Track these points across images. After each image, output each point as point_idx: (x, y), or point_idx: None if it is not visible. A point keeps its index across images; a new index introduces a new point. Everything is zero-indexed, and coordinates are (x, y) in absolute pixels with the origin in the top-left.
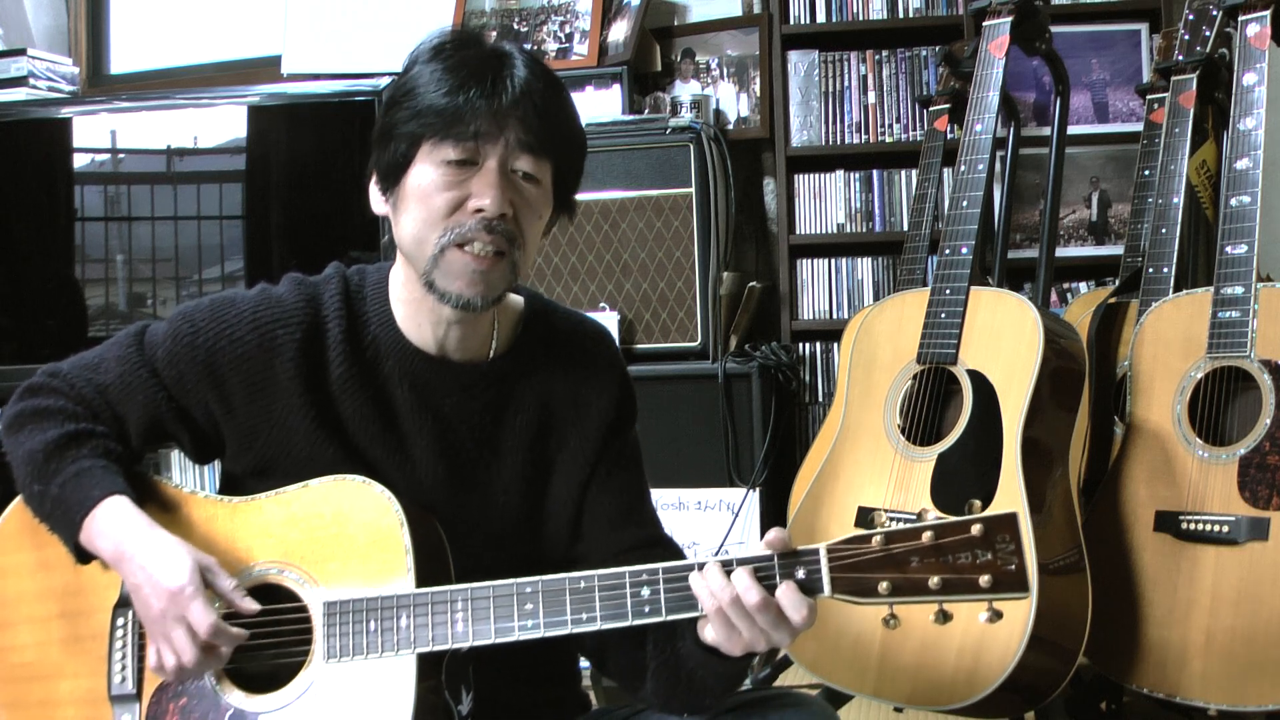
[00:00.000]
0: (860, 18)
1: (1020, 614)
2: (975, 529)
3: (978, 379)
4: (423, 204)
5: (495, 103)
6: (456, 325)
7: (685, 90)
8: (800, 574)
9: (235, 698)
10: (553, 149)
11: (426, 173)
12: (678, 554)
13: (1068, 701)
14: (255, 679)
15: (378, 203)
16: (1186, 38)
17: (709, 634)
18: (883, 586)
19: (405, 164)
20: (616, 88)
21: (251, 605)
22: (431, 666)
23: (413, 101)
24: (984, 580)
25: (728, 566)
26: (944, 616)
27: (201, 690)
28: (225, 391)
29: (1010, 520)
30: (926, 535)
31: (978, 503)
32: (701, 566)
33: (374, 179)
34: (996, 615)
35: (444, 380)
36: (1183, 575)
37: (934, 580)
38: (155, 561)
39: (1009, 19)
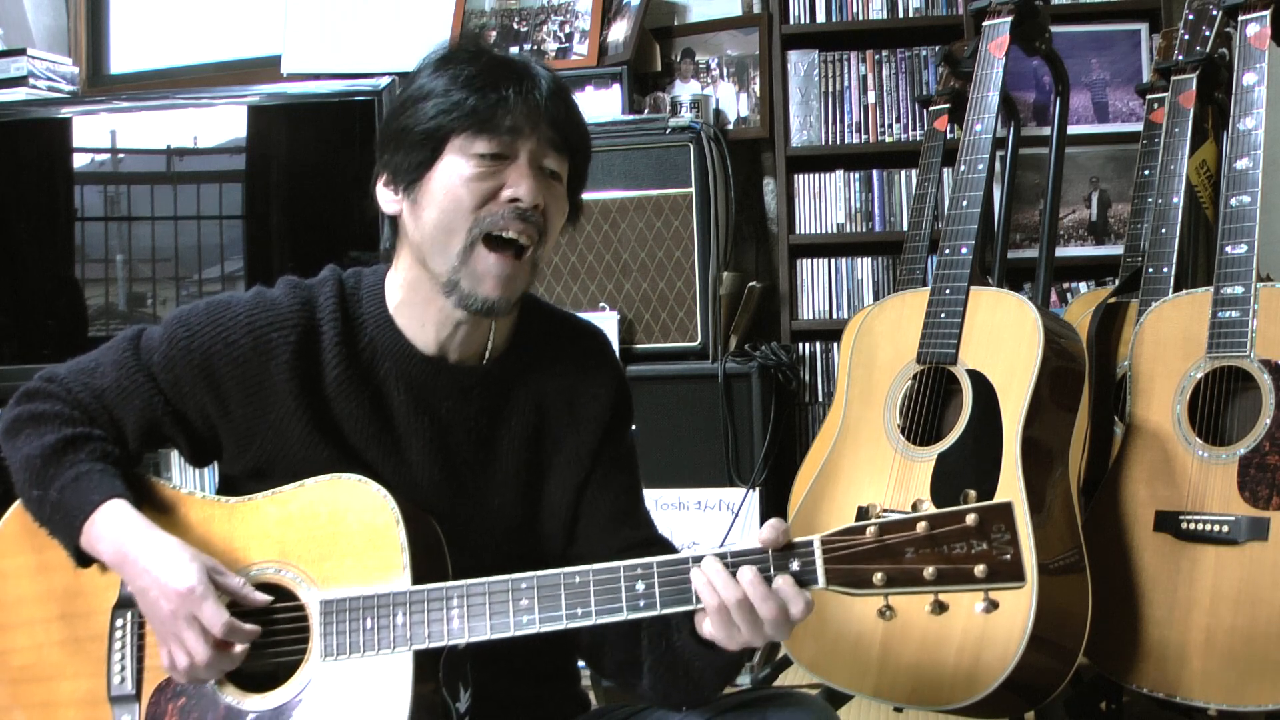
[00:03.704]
0: (860, 18)
1: (1020, 613)
2: (970, 519)
3: (978, 379)
4: (451, 196)
5: (530, 100)
6: (465, 325)
7: (685, 90)
8: (795, 566)
9: (234, 697)
10: (574, 148)
11: (457, 166)
12: (672, 553)
13: (1068, 701)
14: (253, 678)
15: (388, 202)
16: (1186, 38)
17: (707, 628)
18: (877, 578)
19: (430, 160)
20: (616, 88)
21: (261, 598)
22: (429, 664)
23: (438, 100)
24: (979, 570)
25: (724, 560)
26: (940, 607)
27: (200, 690)
28: (221, 394)
29: (1005, 510)
30: (921, 526)
31: (973, 492)
32: (698, 560)
33: (383, 180)
34: (993, 605)
35: (441, 382)
36: (1183, 575)
37: (929, 571)
38: (160, 564)
39: (1009, 19)
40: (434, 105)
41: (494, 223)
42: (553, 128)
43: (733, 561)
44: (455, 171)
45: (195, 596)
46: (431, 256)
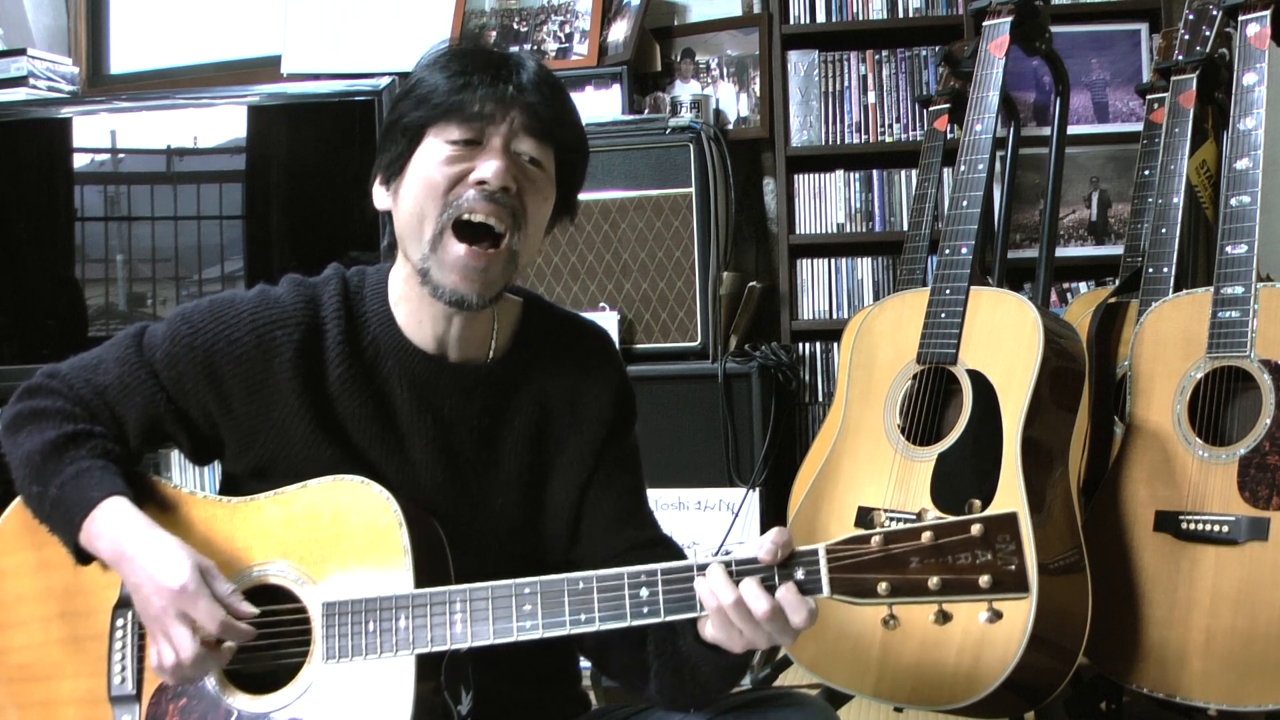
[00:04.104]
0: (860, 18)
1: (1020, 614)
2: (975, 529)
3: (978, 379)
4: (424, 183)
5: (501, 89)
6: (458, 319)
7: (685, 90)
8: (799, 575)
9: (235, 698)
10: (556, 136)
11: (431, 151)
12: (678, 553)
13: (1068, 701)
14: (255, 679)
15: (381, 198)
16: (1186, 38)
17: (709, 631)
18: (882, 587)
19: (410, 151)
20: (616, 88)
21: (249, 609)
22: (431, 667)
23: (418, 92)
24: (984, 580)
25: (729, 569)
26: (944, 617)
27: (201, 691)
28: (224, 392)
29: (1010, 520)
30: (926, 535)
31: (977, 502)
32: (702, 568)
33: (379, 180)
34: (996, 615)
35: (444, 381)
36: (1183, 575)
37: (933, 581)
38: (155, 561)
39: (1009, 19)
40: (414, 98)
41: (462, 206)
42: (528, 113)
43: (738, 570)
44: (429, 157)
45: (189, 594)
46: (408, 245)
